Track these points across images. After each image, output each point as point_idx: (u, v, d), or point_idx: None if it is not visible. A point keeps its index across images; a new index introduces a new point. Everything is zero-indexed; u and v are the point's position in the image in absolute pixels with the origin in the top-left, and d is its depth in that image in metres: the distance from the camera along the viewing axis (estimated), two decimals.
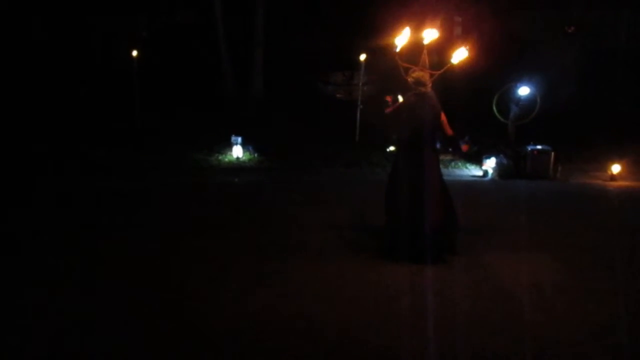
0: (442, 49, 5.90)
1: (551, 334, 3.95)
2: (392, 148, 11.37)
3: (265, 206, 7.53)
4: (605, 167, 10.13)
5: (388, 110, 5.61)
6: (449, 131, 5.52)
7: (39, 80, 13.32)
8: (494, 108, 10.87)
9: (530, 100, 10.72)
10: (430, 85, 5.39)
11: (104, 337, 3.81)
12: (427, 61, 5.45)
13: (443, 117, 5.46)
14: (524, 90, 10.66)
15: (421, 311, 4.24)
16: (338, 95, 14.72)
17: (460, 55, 5.39)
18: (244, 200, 8.19)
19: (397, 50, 5.59)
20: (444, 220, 5.30)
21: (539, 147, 9.97)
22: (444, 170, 10.07)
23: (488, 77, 11.68)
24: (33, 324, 3.98)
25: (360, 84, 12.16)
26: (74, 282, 4.77)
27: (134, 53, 12.05)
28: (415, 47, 5.58)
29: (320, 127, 12.34)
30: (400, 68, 5.48)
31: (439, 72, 5.46)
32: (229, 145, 10.85)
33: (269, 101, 14.40)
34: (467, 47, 5.40)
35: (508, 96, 10.85)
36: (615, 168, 9.92)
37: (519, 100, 10.70)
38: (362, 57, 11.72)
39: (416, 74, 5.39)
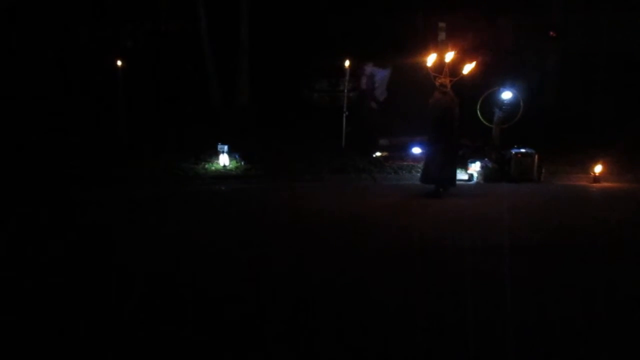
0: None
1: None
2: (378, 154, 11.44)
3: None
4: (588, 168, 10.27)
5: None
6: None
7: (21, 91, 13.22)
8: (478, 112, 10.96)
9: (513, 104, 10.83)
10: (449, 86, 8.49)
11: None
12: (447, 71, 8.55)
13: None
14: (507, 95, 10.77)
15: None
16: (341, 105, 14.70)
17: (469, 67, 8.61)
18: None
19: (429, 65, 8.68)
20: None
21: (522, 150, 10.09)
22: None
23: (472, 81, 11.78)
24: None
25: (346, 91, 12.21)
26: None
27: (119, 63, 12.01)
28: None
29: (306, 134, 12.37)
30: (431, 76, 8.63)
31: (455, 79, 8.59)
32: (216, 154, 10.83)
33: (255, 109, 14.40)
34: (476, 62, 8.70)
35: (492, 100, 10.95)
36: (598, 169, 10.06)
37: (502, 104, 10.80)
38: (347, 63, 11.77)
39: (441, 80, 8.51)
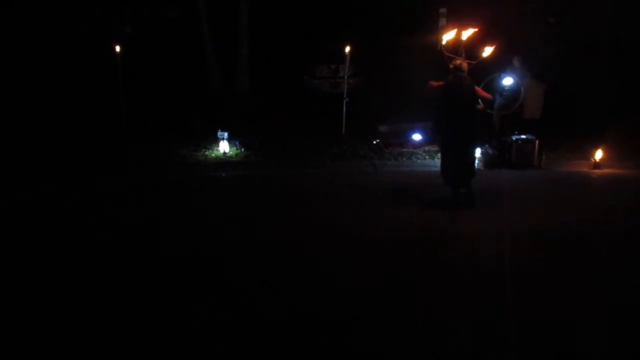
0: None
1: None
2: (378, 140, 11.43)
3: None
4: (588, 155, 10.26)
5: (431, 85, 7.46)
6: (488, 95, 7.97)
7: (19, 76, 13.16)
8: (479, 98, 10.91)
9: (514, 90, 10.78)
10: (467, 71, 7.32)
11: None
12: (464, 53, 7.57)
13: (478, 90, 7.59)
14: (507, 81, 10.72)
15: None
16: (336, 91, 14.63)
17: (488, 50, 7.76)
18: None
19: (444, 43, 7.65)
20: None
21: (523, 136, 10.07)
22: (429, 162, 10.17)
23: (472, 67, 11.73)
24: None
25: (346, 77, 12.17)
26: None
27: (118, 48, 11.95)
28: None
29: (306, 120, 12.36)
30: (445, 57, 7.52)
31: (474, 62, 7.56)
32: (216, 141, 10.83)
33: (254, 95, 14.37)
34: (494, 45, 7.75)
35: (492, 86, 10.90)
36: (599, 156, 10.05)
37: (503, 90, 10.76)
38: (347, 49, 11.71)
39: (458, 62, 7.30)
